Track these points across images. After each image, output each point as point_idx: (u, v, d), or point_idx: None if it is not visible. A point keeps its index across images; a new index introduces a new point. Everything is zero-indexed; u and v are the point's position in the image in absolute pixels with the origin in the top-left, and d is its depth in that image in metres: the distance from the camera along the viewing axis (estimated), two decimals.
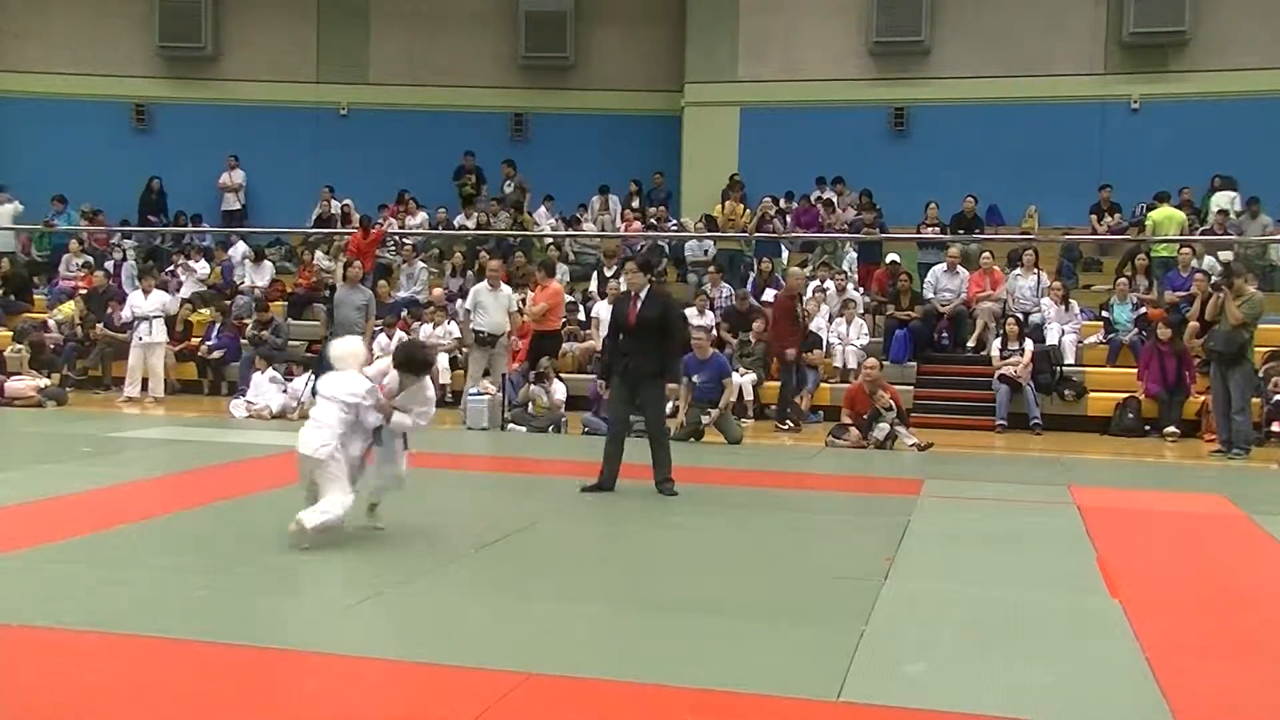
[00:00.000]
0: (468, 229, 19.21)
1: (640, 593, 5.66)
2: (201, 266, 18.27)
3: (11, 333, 16.33)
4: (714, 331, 14.20)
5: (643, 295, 8.41)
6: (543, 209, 19.76)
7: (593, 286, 16.78)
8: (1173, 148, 18.23)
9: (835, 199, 18.58)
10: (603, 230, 19.20)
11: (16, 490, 7.93)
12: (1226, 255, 15.52)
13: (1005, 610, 5.41)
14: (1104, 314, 15.01)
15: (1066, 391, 13.73)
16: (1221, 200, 17.16)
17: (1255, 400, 12.70)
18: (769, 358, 14.00)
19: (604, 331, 14.75)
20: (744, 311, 14.93)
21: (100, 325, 16.16)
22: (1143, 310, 14.64)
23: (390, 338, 15.45)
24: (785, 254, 18.29)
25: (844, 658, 4.52)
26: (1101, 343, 14.63)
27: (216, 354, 15.81)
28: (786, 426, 12.96)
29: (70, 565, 5.91)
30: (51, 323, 16.61)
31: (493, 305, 13.18)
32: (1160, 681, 4.35)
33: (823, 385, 14.16)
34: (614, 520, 7.64)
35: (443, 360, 15.09)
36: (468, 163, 20.40)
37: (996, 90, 19.12)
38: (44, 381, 14.55)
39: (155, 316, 15.13)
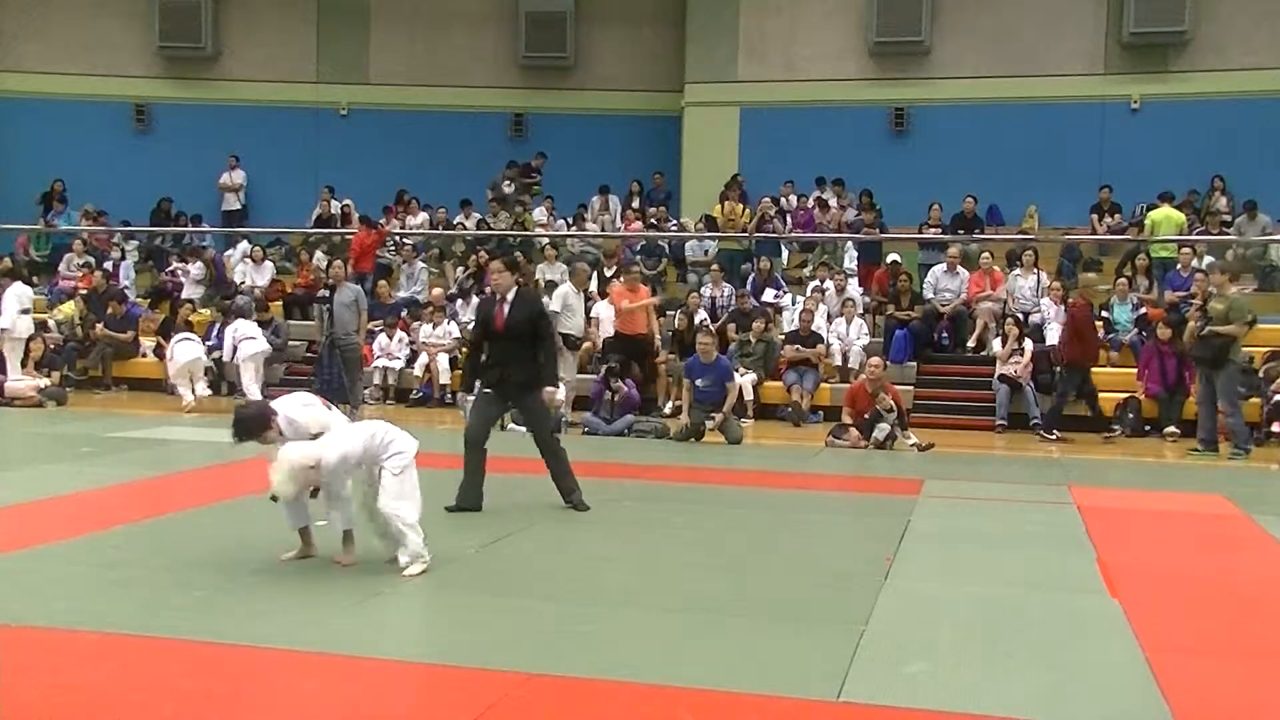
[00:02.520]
0: (467, 229, 19.22)
1: (640, 593, 5.66)
2: (198, 269, 18.22)
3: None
4: (712, 329, 14.22)
5: (510, 297, 7.63)
6: (540, 209, 19.75)
7: (593, 286, 16.77)
8: (1173, 148, 18.24)
9: (834, 199, 18.58)
10: (603, 230, 19.20)
11: (16, 490, 7.93)
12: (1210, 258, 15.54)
13: (1005, 610, 5.41)
14: (1104, 314, 15.00)
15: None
16: None
17: (1255, 400, 12.73)
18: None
19: (605, 331, 14.89)
20: (746, 311, 14.96)
21: (100, 325, 16.16)
22: (1142, 310, 14.64)
23: (391, 338, 15.48)
24: (785, 253, 18.32)
25: (844, 658, 4.52)
26: (1101, 343, 14.61)
27: (217, 354, 15.78)
28: (1054, 437, 12.64)
29: (70, 565, 5.91)
30: (51, 323, 16.60)
31: (579, 308, 13.27)
32: (1160, 681, 4.36)
33: (823, 385, 14.17)
34: (613, 520, 7.64)
35: (442, 361, 15.10)
36: (538, 162, 20.32)
37: (996, 90, 19.11)
38: (44, 381, 14.54)
39: None
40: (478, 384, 7.98)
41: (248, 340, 14.14)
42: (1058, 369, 13.91)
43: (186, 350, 14.24)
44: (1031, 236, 17.35)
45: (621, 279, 14.67)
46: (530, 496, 8.01)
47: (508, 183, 20.20)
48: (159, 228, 20.36)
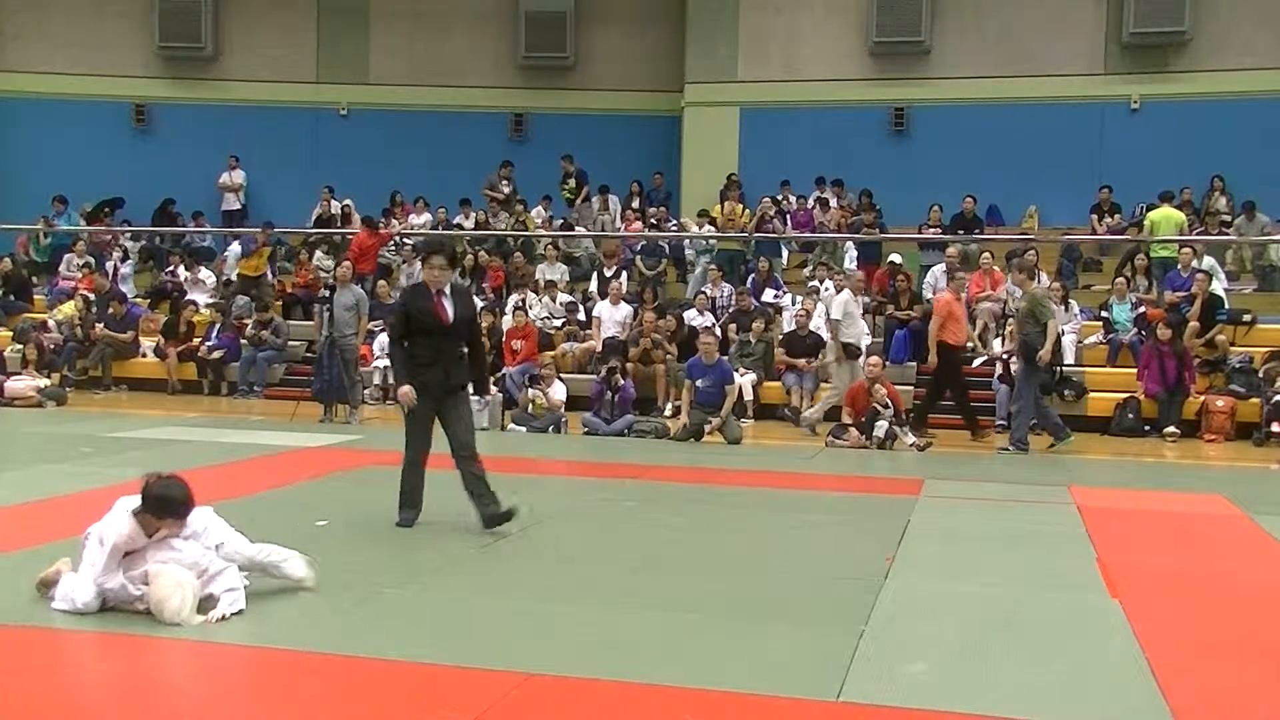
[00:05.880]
0: (465, 229, 19.21)
1: (640, 593, 5.66)
2: (208, 274, 18.17)
3: (11, 333, 16.34)
4: (717, 330, 14.23)
5: (449, 292, 6.90)
6: (539, 207, 19.74)
7: (593, 286, 16.78)
8: (1173, 148, 18.25)
9: (833, 199, 18.57)
10: (603, 230, 19.19)
11: (16, 490, 7.93)
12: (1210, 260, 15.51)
13: (1005, 610, 5.41)
14: (1104, 314, 15.01)
15: (1066, 391, 13.71)
16: None
17: (1254, 400, 12.71)
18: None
19: (606, 331, 14.87)
20: (747, 311, 14.96)
21: (100, 325, 16.16)
22: (1142, 310, 14.65)
23: None
24: (785, 254, 18.31)
25: (844, 658, 4.52)
26: (1101, 343, 14.62)
27: (217, 354, 15.80)
28: None
29: None
30: (51, 323, 16.60)
31: (858, 315, 12.97)
32: (1160, 681, 4.36)
33: (822, 385, 14.16)
34: (614, 520, 7.65)
35: None
36: (568, 167, 19.91)
37: (996, 90, 19.13)
38: (44, 381, 14.55)
39: None
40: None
41: None
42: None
43: None
44: (1031, 236, 17.35)
45: (950, 284, 13.59)
46: (531, 496, 8.00)
47: (505, 182, 20.20)
48: (160, 228, 20.36)
